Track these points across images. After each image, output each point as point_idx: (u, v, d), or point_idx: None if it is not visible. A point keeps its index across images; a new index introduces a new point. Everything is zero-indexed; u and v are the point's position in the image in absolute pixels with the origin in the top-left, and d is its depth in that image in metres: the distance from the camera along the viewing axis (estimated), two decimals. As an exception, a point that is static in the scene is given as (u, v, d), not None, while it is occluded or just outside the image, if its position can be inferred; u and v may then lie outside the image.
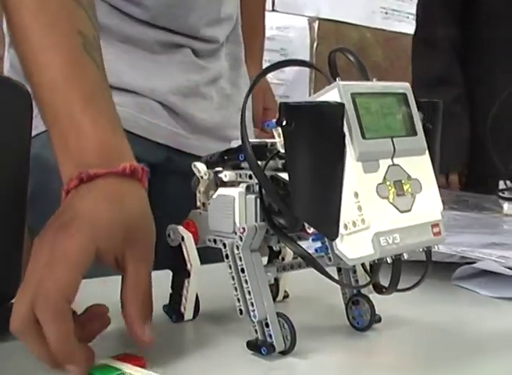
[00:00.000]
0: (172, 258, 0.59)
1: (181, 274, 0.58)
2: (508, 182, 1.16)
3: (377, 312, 0.56)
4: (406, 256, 0.46)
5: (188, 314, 0.59)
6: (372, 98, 0.47)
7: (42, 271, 0.46)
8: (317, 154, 0.44)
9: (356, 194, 0.44)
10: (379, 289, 0.52)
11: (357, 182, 0.44)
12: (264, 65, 2.08)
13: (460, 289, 0.71)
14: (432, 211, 0.48)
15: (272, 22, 2.03)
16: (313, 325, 0.58)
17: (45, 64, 0.55)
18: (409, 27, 2.03)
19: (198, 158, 1.00)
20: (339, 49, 0.51)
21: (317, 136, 0.43)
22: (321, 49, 2.13)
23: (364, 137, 0.45)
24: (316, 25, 2.14)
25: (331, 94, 0.45)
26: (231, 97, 1.05)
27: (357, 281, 0.57)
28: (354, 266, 0.56)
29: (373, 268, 0.48)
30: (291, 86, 2.05)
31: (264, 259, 0.57)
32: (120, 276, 0.51)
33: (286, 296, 0.66)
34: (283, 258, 0.61)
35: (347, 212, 0.45)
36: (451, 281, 0.72)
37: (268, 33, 2.12)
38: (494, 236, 0.86)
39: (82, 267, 0.46)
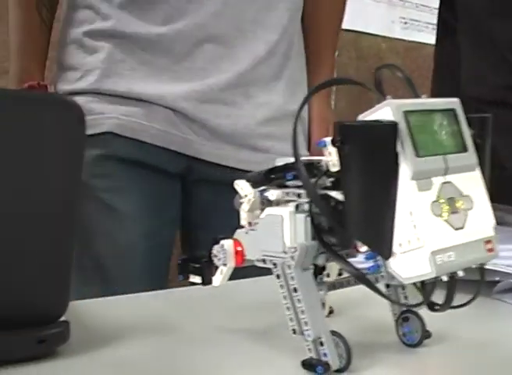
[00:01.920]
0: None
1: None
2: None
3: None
4: (461, 274, 0.46)
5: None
6: (423, 115, 0.47)
7: None
8: (371, 173, 0.44)
9: (411, 213, 0.44)
10: (432, 306, 0.52)
11: (412, 201, 0.44)
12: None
13: (502, 303, 0.70)
14: (485, 227, 0.48)
15: (292, 34, 2.04)
16: (362, 341, 0.58)
17: None
18: (429, 37, 2.03)
19: (220, 167, 1.01)
20: (385, 66, 0.51)
21: (371, 155, 0.44)
22: (342, 60, 2.13)
23: (417, 155, 0.45)
24: (336, 36, 2.14)
25: (382, 113, 0.45)
26: (263, 104, 1.04)
27: (406, 298, 0.57)
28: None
29: (426, 286, 0.48)
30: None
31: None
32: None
33: (331, 312, 0.66)
34: (328, 275, 0.62)
35: (402, 231, 0.45)
36: (492, 295, 0.71)
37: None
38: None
39: None
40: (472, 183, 0.48)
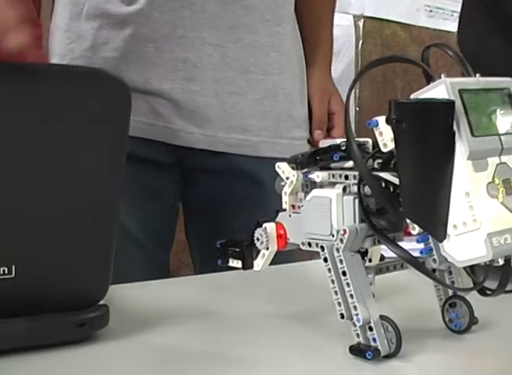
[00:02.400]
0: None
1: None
2: None
3: (474, 314, 0.55)
4: (517, 257, 0.45)
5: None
6: (478, 95, 0.46)
7: None
8: (427, 152, 0.43)
9: (467, 194, 0.43)
10: (483, 291, 0.51)
11: (469, 181, 0.43)
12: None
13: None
14: (538, 211, 0.47)
15: (317, 21, 2.02)
16: (408, 327, 0.56)
17: None
18: (453, 25, 1.99)
19: (213, 153, 0.98)
20: (435, 44, 0.50)
21: (427, 134, 0.43)
22: (367, 47, 2.11)
23: (473, 134, 0.44)
24: (361, 23, 2.13)
25: (437, 91, 0.44)
26: (257, 81, 0.98)
27: (452, 283, 0.56)
28: (450, 267, 0.55)
29: (477, 269, 0.47)
30: (337, 84, 2.02)
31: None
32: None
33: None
34: (370, 260, 0.61)
35: (457, 212, 0.44)
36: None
37: (312, 32, 2.13)
38: None
39: None
40: (526, 165, 0.47)
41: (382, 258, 0.57)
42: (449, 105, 0.43)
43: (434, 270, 0.56)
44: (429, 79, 0.46)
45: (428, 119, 0.42)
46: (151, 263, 0.98)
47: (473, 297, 0.54)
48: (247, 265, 0.59)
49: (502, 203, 0.44)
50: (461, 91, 0.44)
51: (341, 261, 0.49)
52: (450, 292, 0.56)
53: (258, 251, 0.58)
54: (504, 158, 0.46)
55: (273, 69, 0.99)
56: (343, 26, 2.11)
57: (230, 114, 0.97)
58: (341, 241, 0.49)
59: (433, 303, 0.57)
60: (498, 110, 0.46)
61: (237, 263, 0.59)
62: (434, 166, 0.43)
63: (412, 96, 0.46)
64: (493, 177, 0.45)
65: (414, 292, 0.56)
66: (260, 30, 0.97)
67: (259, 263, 0.58)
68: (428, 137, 0.42)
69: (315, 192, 0.53)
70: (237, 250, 0.59)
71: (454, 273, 0.56)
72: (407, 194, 0.43)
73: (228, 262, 0.60)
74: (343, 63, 2.07)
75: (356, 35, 2.12)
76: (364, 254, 0.61)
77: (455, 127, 0.43)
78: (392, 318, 0.49)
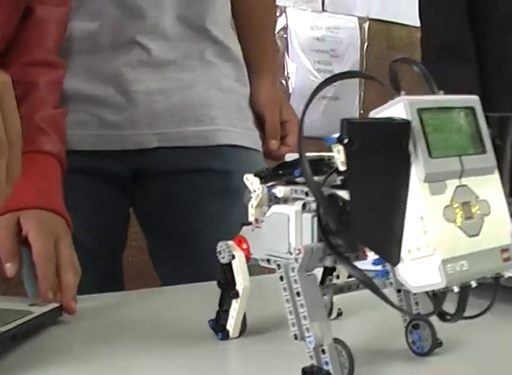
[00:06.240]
0: (221, 275, 0.57)
1: (230, 293, 0.56)
2: None
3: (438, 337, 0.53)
4: (474, 284, 0.43)
5: (234, 332, 0.57)
6: (439, 114, 0.44)
7: None
8: (380, 174, 0.41)
9: (422, 218, 0.41)
10: (443, 316, 0.49)
11: (424, 205, 0.41)
12: (314, 65, 2.06)
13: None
14: (502, 234, 0.45)
15: (322, 22, 2.01)
16: (369, 348, 0.55)
17: None
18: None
19: (166, 150, 0.96)
20: (401, 59, 0.48)
21: (381, 155, 0.41)
22: (372, 50, 2.09)
23: (431, 156, 0.42)
24: (366, 25, 2.10)
25: (395, 110, 0.42)
26: (201, 75, 0.99)
27: (417, 303, 0.54)
28: (415, 288, 0.53)
29: (437, 296, 0.46)
30: (341, 87, 2.01)
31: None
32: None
33: (339, 314, 0.63)
34: (338, 276, 0.59)
35: (412, 236, 0.42)
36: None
37: (317, 33, 2.11)
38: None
39: None
40: (490, 187, 0.45)
41: (350, 275, 0.56)
42: (404, 125, 0.41)
43: (399, 290, 0.55)
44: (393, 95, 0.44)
45: (380, 139, 0.41)
46: (105, 275, 0.97)
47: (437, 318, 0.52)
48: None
49: (460, 228, 0.43)
50: (420, 110, 0.42)
51: (295, 281, 0.47)
52: (414, 312, 0.54)
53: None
54: (465, 181, 0.44)
55: (213, 65, 0.99)
56: (347, 28, 2.09)
57: (179, 107, 0.96)
58: (296, 260, 0.47)
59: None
60: (461, 130, 0.44)
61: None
62: (387, 189, 0.41)
63: (371, 114, 0.44)
64: (452, 200, 0.43)
65: (385, 310, 0.54)
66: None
67: (231, 324, 0.57)
68: (381, 158, 0.41)
69: (275, 208, 0.52)
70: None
71: (419, 293, 0.54)
72: (357, 216, 0.41)
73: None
74: (347, 66, 2.05)
75: (361, 37, 2.10)
76: (332, 270, 0.60)
77: (411, 148, 0.41)
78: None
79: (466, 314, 0.49)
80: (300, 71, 1.98)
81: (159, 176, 0.98)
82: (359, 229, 0.42)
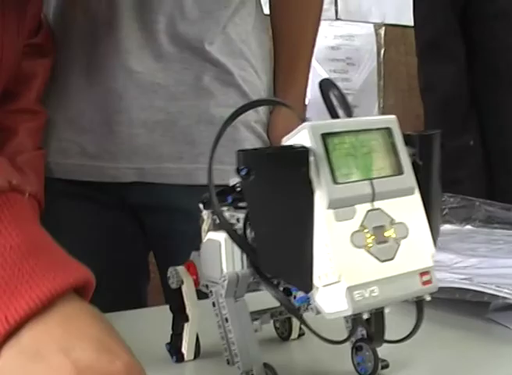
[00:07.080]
0: (171, 300, 0.57)
1: (181, 317, 0.57)
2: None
3: (386, 357, 0.53)
4: (387, 310, 0.43)
5: (189, 355, 0.57)
6: (349, 137, 0.43)
7: None
8: (281, 204, 0.41)
9: (326, 245, 0.41)
10: (368, 341, 0.48)
11: (328, 232, 0.41)
12: (330, 74, 2.05)
13: (491, 325, 0.65)
14: (421, 257, 0.44)
15: (337, 31, 2.00)
16: (320, 369, 0.55)
17: None
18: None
19: (147, 187, 0.93)
20: (322, 81, 0.48)
21: (280, 185, 0.41)
22: (389, 56, 2.07)
23: (335, 181, 0.42)
24: (382, 31, 2.09)
25: (300, 136, 0.42)
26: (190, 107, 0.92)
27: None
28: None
29: (354, 321, 0.45)
30: (359, 95, 2.00)
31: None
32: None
33: (301, 334, 0.63)
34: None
35: (320, 263, 0.42)
36: (486, 315, 0.67)
37: (332, 42, 2.10)
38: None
39: None
40: (409, 209, 0.45)
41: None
42: (302, 152, 0.41)
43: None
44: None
45: (280, 169, 0.41)
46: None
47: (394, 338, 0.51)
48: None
49: (370, 253, 0.42)
50: (325, 135, 0.42)
51: (223, 307, 0.48)
52: (359, 334, 0.54)
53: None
54: (378, 204, 0.44)
55: (207, 93, 0.92)
56: (363, 35, 2.07)
57: (161, 142, 0.91)
58: (222, 287, 0.48)
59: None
60: (374, 152, 0.44)
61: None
62: (291, 217, 0.41)
63: (282, 141, 0.44)
64: (361, 225, 0.42)
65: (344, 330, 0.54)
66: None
67: (185, 347, 0.58)
68: (281, 187, 0.41)
69: (210, 234, 0.52)
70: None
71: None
72: (261, 248, 0.41)
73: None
74: (363, 73, 2.03)
75: (377, 44, 2.08)
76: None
77: (313, 175, 0.41)
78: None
79: (407, 333, 0.49)
80: (315, 81, 1.97)
81: (147, 210, 0.97)
82: (264, 261, 0.42)
